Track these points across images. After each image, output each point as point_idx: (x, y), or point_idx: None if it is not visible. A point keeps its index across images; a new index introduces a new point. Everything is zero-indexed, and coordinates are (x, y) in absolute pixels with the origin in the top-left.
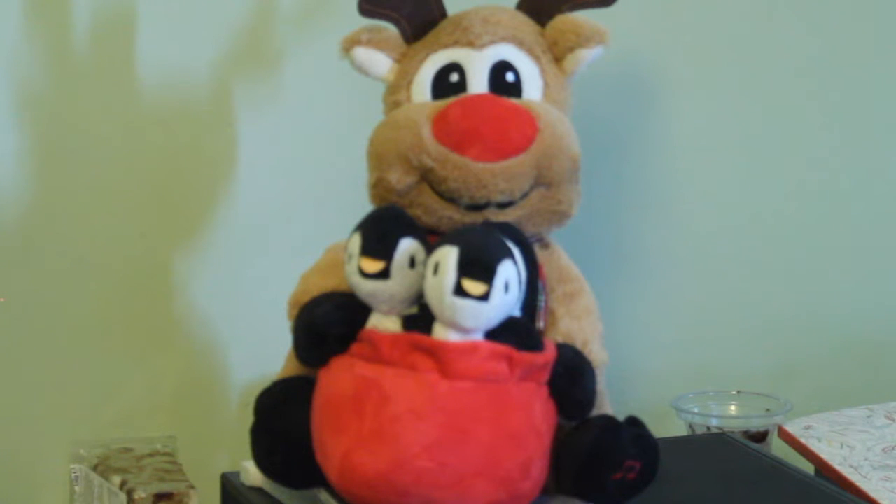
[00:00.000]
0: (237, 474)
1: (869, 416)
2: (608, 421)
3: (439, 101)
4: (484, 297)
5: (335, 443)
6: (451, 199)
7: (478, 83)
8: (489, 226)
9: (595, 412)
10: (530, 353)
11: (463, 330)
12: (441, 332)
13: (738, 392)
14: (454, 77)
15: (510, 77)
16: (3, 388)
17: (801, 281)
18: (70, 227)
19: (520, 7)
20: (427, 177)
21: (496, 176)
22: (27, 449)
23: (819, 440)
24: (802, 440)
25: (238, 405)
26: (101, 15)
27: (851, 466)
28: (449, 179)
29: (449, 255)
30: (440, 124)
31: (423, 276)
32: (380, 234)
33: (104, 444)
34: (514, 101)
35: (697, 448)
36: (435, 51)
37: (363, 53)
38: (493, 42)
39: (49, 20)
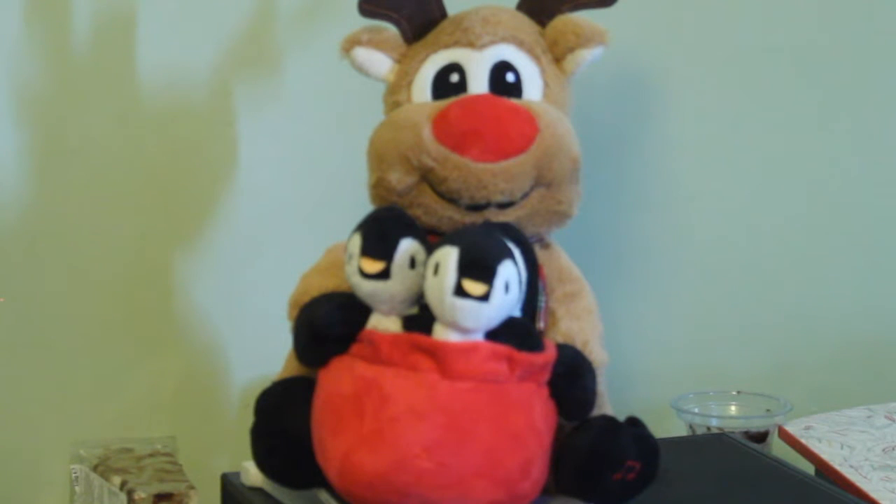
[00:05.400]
0: (237, 474)
1: (869, 417)
2: (608, 421)
3: (439, 101)
4: (484, 298)
5: (335, 443)
6: (451, 200)
7: (478, 83)
8: (489, 226)
9: (595, 412)
10: (530, 353)
11: (463, 330)
12: (441, 333)
13: (738, 392)
14: (454, 77)
15: (510, 77)
16: (3, 388)
17: (801, 281)
18: (70, 227)
19: (520, 7)
20: (427, 177)
21: (496, 176)
22: (27, 449)
23: (819, 440)
24: (802, 440)
25: (238, 405)
26: (101, 15)
27: (852, 467)
28: (449, 180)
29: (449, 256)
30: (440, 124)
31: (423, 277)
32: (380, 234)
33: (104, 445)
34: (514, 101)
35: (697, 448)
36: (435, 51)
37: (363, 53)
38: (493, 42)
39: (49, 20)
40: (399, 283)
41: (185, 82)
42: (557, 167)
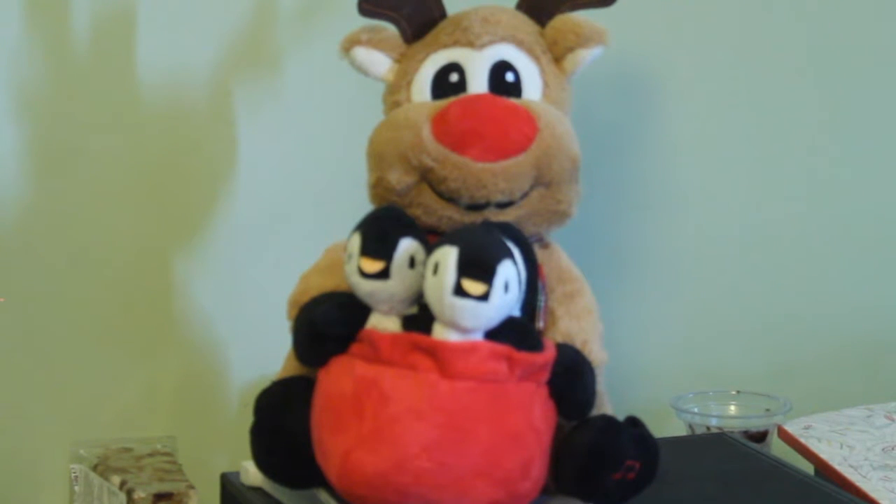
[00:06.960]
0: (237, 474)
1: (869, 416)
2: (608, 421)
3: (439, 101)
4: (484, 297)
5: (335, 443)
6: (450, 199)
7: (477, 83)
8: (489, 226)
9: (595, 412)
10: (530, 353)
11: (463, 330)
12: (441, 332)
13: (738, 392)
14: (454, 77)
15: (510, 77)
16: (3, 388)
17: (800, 281)
18: (70, 227)
19: (519, 7)
20: (427, 177)
21: (496, 176)
22: (27, 449)
23: (819, 440)
24: (802, 440)
25: (238, 405)
26: (101, 15)
27: (851, 466)
28: (449, 179)
29: (449, 255)
30: (440, 124)
31: (422, 276)
32: (379, 234)
33: (104, 444)
34: (513, 101)
35: (697, 448)
36: (435, 51)
37: (363, 53)
38: (492, 42)
39: (49, 20)
40: (398, 283)
41: (185, 82)
42: (557, 167)
